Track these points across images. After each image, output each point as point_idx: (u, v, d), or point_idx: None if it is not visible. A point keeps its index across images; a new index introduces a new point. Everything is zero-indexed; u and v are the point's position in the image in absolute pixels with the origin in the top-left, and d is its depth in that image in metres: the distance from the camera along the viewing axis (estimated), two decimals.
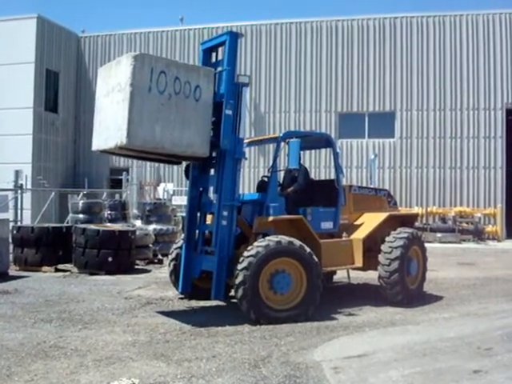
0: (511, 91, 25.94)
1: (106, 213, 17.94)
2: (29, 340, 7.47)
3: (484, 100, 25.99)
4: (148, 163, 29.10)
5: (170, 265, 10.63)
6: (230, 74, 9.05)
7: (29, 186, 21.55)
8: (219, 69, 9.33)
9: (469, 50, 26.20)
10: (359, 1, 67.84)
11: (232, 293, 9.21)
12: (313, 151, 23.73)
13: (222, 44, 9.43)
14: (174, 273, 10.35)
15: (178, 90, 8.33)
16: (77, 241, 13.85)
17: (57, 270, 13.89)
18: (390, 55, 27.02)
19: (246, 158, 9.65)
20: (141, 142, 8.07)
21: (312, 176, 12.55)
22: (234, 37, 9.17)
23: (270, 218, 9.47)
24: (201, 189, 9.79)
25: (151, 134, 8.10)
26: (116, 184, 28.04)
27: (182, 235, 10.21)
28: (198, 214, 9.81)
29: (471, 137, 26.07)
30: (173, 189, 27.90)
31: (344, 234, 10.62)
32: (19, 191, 18.54)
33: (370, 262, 10.36)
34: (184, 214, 11.10)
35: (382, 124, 26.92)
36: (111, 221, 17.40)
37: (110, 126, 8.33)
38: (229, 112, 8.92)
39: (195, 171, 9.72)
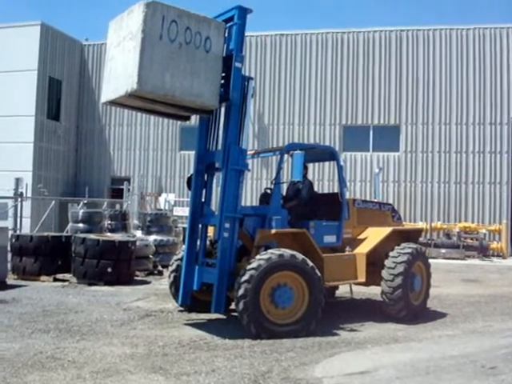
0: None
1: (107, 223, 17.85)
2: (25, 350, 7.38)
3: (490, 114, 25.90)
4: (150, 173, 29.15)
5: (170, 276, 10.52)
6: (241, 28, 9.07)
7: (29, 195, 21.42)
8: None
9: (475, 63, 26.15)
10: (365, 13, 68.10)
11: (232, 306, 9.10)
12: (316, 164, 23.65)
13: (230, 19, 9.30)
14: (174, 285, 10.25)
15: (188, 40, 8.39)
16: (76, 250, 13.74)
17: (55, 280, 13.79)
18: (396, 68, 27.01)
19: (248, 170, 9.57)
20: (151, 88, 8.09)
21: (315, 189, 12.44)
22: (243, 12, 9.10)
23: (273, 231, 9.39)
24: (203, 200, 9.68)
25: (162, 80, 8.14)
26: (117, 194, 28.01)
27: (183, 246, 10.10)
28: (200, 226, 9.69)
29: (477, 152, 25.96)
30: (174, 199, 27.88)
31: (347, 249, 10.50)
32: (19, 199, 18.47)
33: (373, 277, 10.22)
34: (185, 225, 10.99)
35: (387, 137, 26.82)
36: (111, 231, 17.30)
37: (120, 74, 8.39)
38: (238, 65, 8.93)
39: (197, 182, 9.62)
